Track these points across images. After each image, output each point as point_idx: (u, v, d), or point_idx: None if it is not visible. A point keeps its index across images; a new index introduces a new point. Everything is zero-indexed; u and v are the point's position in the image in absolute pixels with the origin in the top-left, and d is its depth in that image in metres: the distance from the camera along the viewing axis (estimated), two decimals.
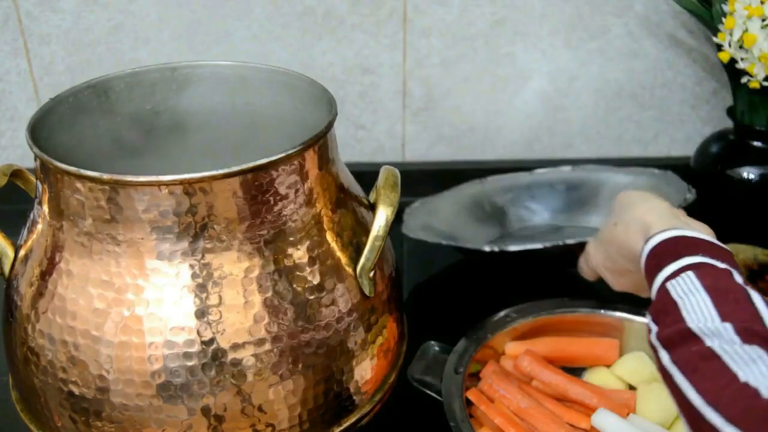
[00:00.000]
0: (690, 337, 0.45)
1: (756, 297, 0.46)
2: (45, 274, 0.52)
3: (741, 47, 0.84)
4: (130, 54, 1.00)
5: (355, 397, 0.56)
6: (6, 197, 0.62)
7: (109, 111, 0.64)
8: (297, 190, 0.52)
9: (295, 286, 0.52)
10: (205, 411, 0.50)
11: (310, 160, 0.53)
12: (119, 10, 0.97)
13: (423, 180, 1.01)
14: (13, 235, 0.56)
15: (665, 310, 0.48)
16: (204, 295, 0.49)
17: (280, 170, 0.51)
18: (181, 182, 0.48)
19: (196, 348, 0.49)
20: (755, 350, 0.42)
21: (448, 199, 0.93)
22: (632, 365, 0.66)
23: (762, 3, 0.81)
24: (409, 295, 0.84)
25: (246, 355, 0.50)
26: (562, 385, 0.63)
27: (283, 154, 0.50)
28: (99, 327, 0.50)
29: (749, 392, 0.39)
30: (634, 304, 0.68)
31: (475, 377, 0.65)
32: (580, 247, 0.68)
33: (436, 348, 0.66)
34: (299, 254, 0.52)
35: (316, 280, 0.53)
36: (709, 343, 0.43)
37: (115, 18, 0.98)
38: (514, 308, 0.68)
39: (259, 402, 0.51)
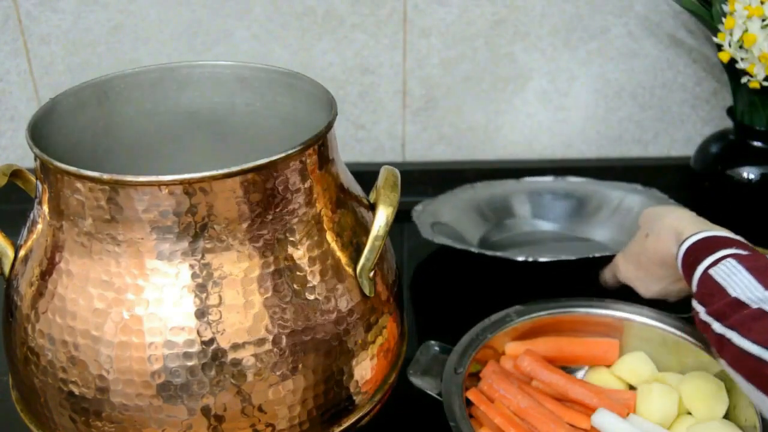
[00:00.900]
0: (739, 305, 0.51)
1: None
2: (45, 274, 0.52)
3: (741, 47, 0.84)
4: (130, 54, 1.00)
5: (355, 397, 0.56)
6: (6, 197, 0.62)
7: (109, 111, 0.64)
8: (297, 190, 0.52)
9: (295, 286, 0.52)
10: (205, 411, 0.50)
11: (310, 160, 0.53)
12: (119, 10, 0.97)
13: (423, 180, 1.02)
14: (13, 235, 0.56)
15: (711, 293, 0.54)
16: (204, 295, 0.49)
17: (280, 170, 0.51)
18: (181, 182, 0.48)
19: (196, 348, 0.49)
20: None
21: (446, 203, 0.94)
22: (632, 365, 0.66)
23: (762, 3, 0.81)
24: (409, 295, 0.84)
25: (246, 355, 0.50)
26: (562, 385, 0.63)
27: (283, 154, 0.50)
28: (99, 327, 0.50)
29: None
30: (634, 304, 0.68)
31: (475, 377, 0.65)
32: (608, 259, 0.73)
33: (436, 348, 0.66)
34: (299, 254, 0.52)
35: (316, 280, 0.53)
36: (756, 306, 0.50)
37: (115, 18, 0.98)
38: (514, 308, 0.68)
39: (259, 402, 0.51)
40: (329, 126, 0.55)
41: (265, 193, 0.50)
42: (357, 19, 0.99)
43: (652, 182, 0.98)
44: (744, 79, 0.86)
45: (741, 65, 0.84)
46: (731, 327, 0.51)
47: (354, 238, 0.56)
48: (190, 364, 0.49)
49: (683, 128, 1.08)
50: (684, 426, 0.60)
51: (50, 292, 0.51)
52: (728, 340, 0.50)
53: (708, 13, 0.89)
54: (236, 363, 0.50)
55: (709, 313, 0.53)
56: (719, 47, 0.86)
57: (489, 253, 0.76)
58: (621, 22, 1.01)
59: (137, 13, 0.98)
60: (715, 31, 0.86)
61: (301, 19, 0.99)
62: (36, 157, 0.51)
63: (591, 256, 0.75)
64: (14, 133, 1.05)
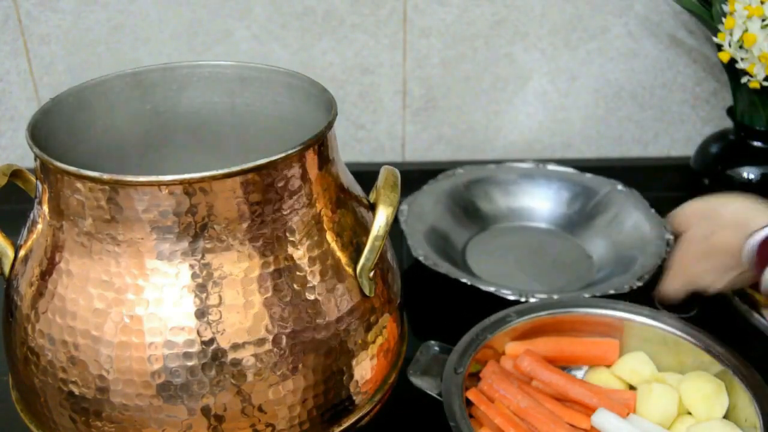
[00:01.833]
0: None
1: None
2: (45, 274, 0.52)
3: (741, 47, 0.84)
4: (130, 54, 1.00)
5: (355, 397, 0.56)
6: (6, 197, 0.62)
7: (109, 111, 0.64)
8: (297, 190, 0.52)
9: (295, 286, 0.52)
10: (205, 411, 0.50)
11: (310, 160, 0.53)
12: (119, 10, 0.97)
13: (423, 180, 1.01)
14: (13, 235, 0.56)
15: None
16: (204, 295, 0.49)
17: (280, 170, 0.51)
18: (181, 182, 0.48)
19: (196, 348, 0.49)
20: None
21: (429, 198, 0.92)
22: (632, 365, 0.66)
23: (762, 3, 0.81)
24: (409, 295, 0.84)
25: (246, 355, 0.50)
26: (562, 385, 0.63)
27: (283, 154, 0.50)
28: (99, 327, 0.50)
29: None
30: (634, 304, 0.68)
31: (475, 377, 0.65)
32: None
33: (436, 348, 0.66)
34: (299, 254, 0.52)
35: (316, 280, 0.53)
36: None
37: (115, 18, 0.98)
38: (514, 308, 0.68)
39: (259, 402, 0.51)
40: (329, 126, 0.55)
41: (265, 193, 0.50)
42: (357, 19, 0.99)
43: (652, 182, 0.98)
44: (744, 79, 0.86)
45: (741, 65, 0.84)
46: None
47: (354, 238, 0.56)
48: (190, 364, 0.49)
49: (683, 128, 1.09)
50: (684, 426, 0.60)
51: (50, 292, 0.51)
52: None
53: (708, 13, 0.89)
54: (236, 363, 0.50)
55: None
56: (719, 47, 0.86)
57: (483, 287, 0.77)
58: (621, 22, 1.01)
59: (137, 13, 0.98)
60: (715, 31, 0.86)
61: (301, 19, 0.99)
62: (36, 157, 0.51)
63: (600, 294, 0.75)
64: (14, 133, 1.05)
